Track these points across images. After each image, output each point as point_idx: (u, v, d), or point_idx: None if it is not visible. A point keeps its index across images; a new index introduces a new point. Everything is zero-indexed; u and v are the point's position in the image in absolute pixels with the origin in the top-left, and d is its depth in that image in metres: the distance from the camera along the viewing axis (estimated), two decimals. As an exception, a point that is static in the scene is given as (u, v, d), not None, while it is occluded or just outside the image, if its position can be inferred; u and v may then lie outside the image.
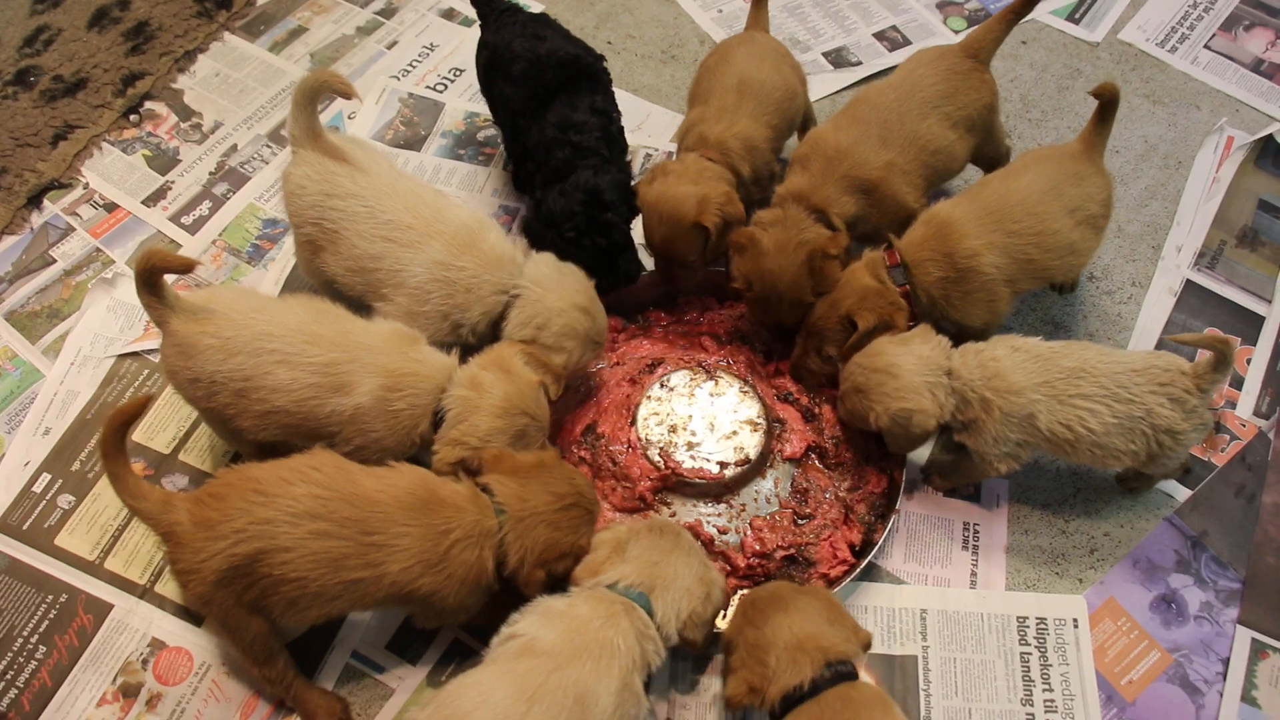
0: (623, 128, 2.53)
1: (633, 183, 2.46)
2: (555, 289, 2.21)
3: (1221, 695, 2.12)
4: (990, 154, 2.59)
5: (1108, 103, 2.29)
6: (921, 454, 2.39)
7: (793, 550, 2.17)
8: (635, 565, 1.87)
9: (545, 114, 2.44)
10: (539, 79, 2.43)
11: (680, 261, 2.43)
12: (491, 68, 2.54)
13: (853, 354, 2.25)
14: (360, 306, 2.25)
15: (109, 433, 1.86)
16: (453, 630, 2.15)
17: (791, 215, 2.33)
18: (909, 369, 2.13)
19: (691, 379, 2.38)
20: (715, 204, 2.31)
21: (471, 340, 2.24)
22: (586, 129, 2.40)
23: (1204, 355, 2.10)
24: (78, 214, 2.83)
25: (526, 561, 1.91)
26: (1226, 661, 2.15)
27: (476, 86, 2.74)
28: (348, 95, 2.25)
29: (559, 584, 1.96)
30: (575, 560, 1.95)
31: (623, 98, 2.61)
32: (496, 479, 1.96)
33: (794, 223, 2.32)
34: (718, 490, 2.25)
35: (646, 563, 1.88)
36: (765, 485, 2.27)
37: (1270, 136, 2.96)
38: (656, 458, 2.26)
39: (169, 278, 2.04)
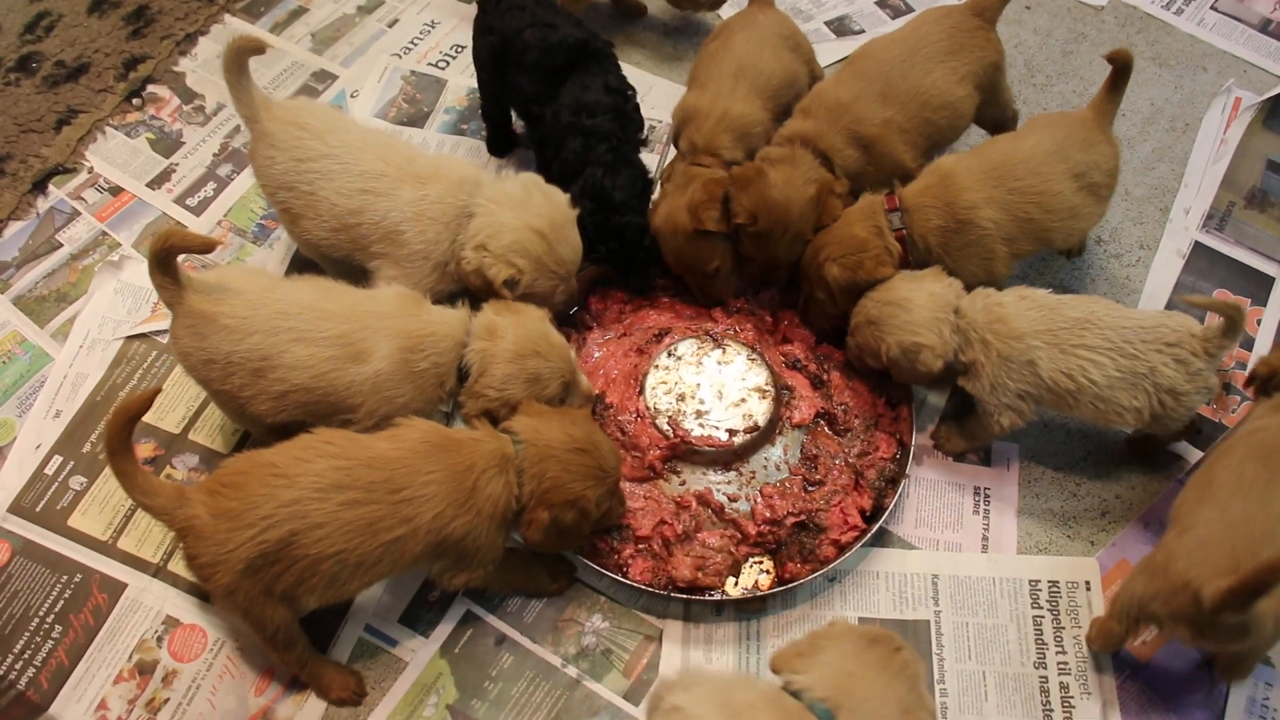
0: (638, 105, 2.53)
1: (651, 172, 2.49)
2: (514, 207, 2.21)
3: (1235, 654, 2.12)
4: (996, 116, 2.58)
5: (1120, 69, 2.28)
6: (931, 422, 2.39)
7: (803, 517, 2.17)
8: (826, 674, 1.63)
9: (558, 96, 2.43)
10: (550, 64, 2.44)
11: (704, 271, 2.41)
12: (502, 57, 2.53)
13: (843, 305, 2.29)
14: (349, 272, 2.28)
15: (114, 430, 1.81)
16: (464, 601, 2.16)
17: (799, 154, 2.33)
18: (920, 304, 2.16)
19: (699, 347, 2.38)
20: (700, 201, 2.30)
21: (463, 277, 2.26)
22: (599, 109, 2.40)
23: (1214, 319, 2.09)
24: (83, 198, 2.83)
25: (535, 496, 1.91)
26: (1240, 622, 2.15)
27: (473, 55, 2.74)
28: (262, 49, 2.25)
29: (565, 535, 1.96)
30: (581, 515, 1.94)
31: (626, 71, 2.59)
32: (517, 417, 1.99)
33: (802, 161, 2.32)
34: (727, 458, 2.25)
35: (839, 672, 1.63)
36: (774, 452, 2.27)
37: (1279, 97, 2.93)
38: (665, 426, 2.26)
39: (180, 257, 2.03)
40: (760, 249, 2.35)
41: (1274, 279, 2.63)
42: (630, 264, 2.46)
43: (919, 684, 1.67)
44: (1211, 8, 3.19)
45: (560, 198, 2.26)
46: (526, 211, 2.20)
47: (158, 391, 1.89)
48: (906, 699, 1.63)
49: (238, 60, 2.22)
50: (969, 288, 2.23)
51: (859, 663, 1.64)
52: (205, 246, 2.03)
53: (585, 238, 2.32)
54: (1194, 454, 2.35)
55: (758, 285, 2.49)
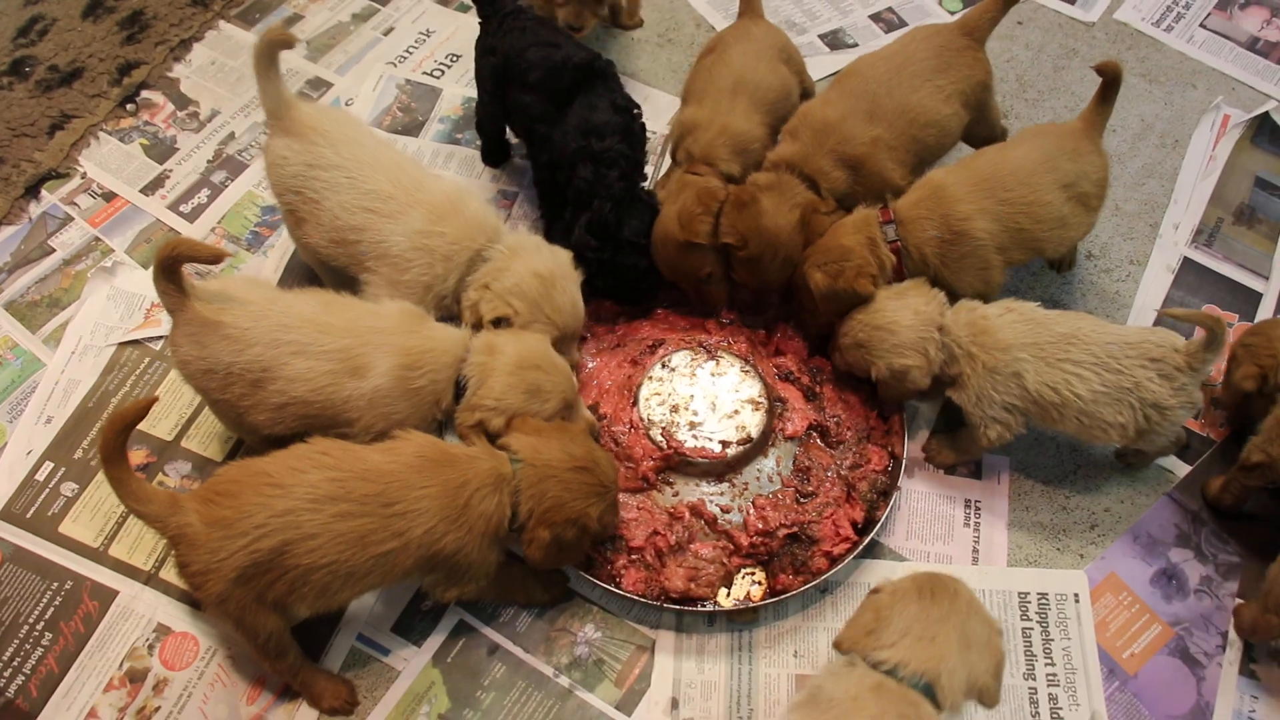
0: (644, 123, 2.53)
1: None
2: (524, 255, 2.22)
3: (1221, 668, 2.13)
4: (985, 134, 2.59)
5: (1110, 81, 2.31)
6: (922, 433, 2.41)
7: (795, 528, 2.18)
8: (910, 645, 1.65)
9: (565, 117, 2.43)
10: (556, 84, 2.44)
11: (696, 279, 2.42)
12: (505, 76, 2.53)
13: (825, 313, 2.31)
14: (345, 280, 2.28)
15: (109, 437, 1.81)
16: (457, 611, 2.17)
17: (786, 180, 2.36)
18: (906, 325, 2.19)
19: (693, 359, 2.39)
20: (692, 212, 2.31)
21: (456, 309, 2.26)
22: (609, 130, 2.40)
23: (1198, 334, 2.11)
24: (76, 203, 2.82)
25: (534, 515, 1.92)
26: (1226, 635, 2.17)
27: (473, 72, 2.74)
28: (291, 44, 2.24)
29: (566, 551, 1.98)
30: (583, 532, 1.95)
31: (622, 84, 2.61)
32: (515, 435, 1.99)
33: (788, 187, 2.35)
34: (720, 469, 2.26)
35: (919, 639, 1.66)
36: (767, 464, 2.28)
37: (1266, 114, 2.97)
38: (659, 438, 2.26)
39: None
40: (751, 273, 2.37)
41: (1261, 294, 2.66)
42: (628, 299, 2.48)
43: (982, 610, 1.73)
44: (1200, 25, 3.23)
45: (564, 256, 2.28)
46: (532, 260, 2.21)
47: (154, 400, 1.89)
48: (981, 632, 1.69)
49: (269, 53, 2.21)
50: (956, 298, 2.26)
51: (932, 623, 1.67)
52: (213, 257, 2.02)
53: (586, 268, 2.33)
54: (1182, 468, 2.37)
55: (750, 310, 2.50)
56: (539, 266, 2.21)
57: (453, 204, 2.24)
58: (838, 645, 1.73)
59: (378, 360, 2.03)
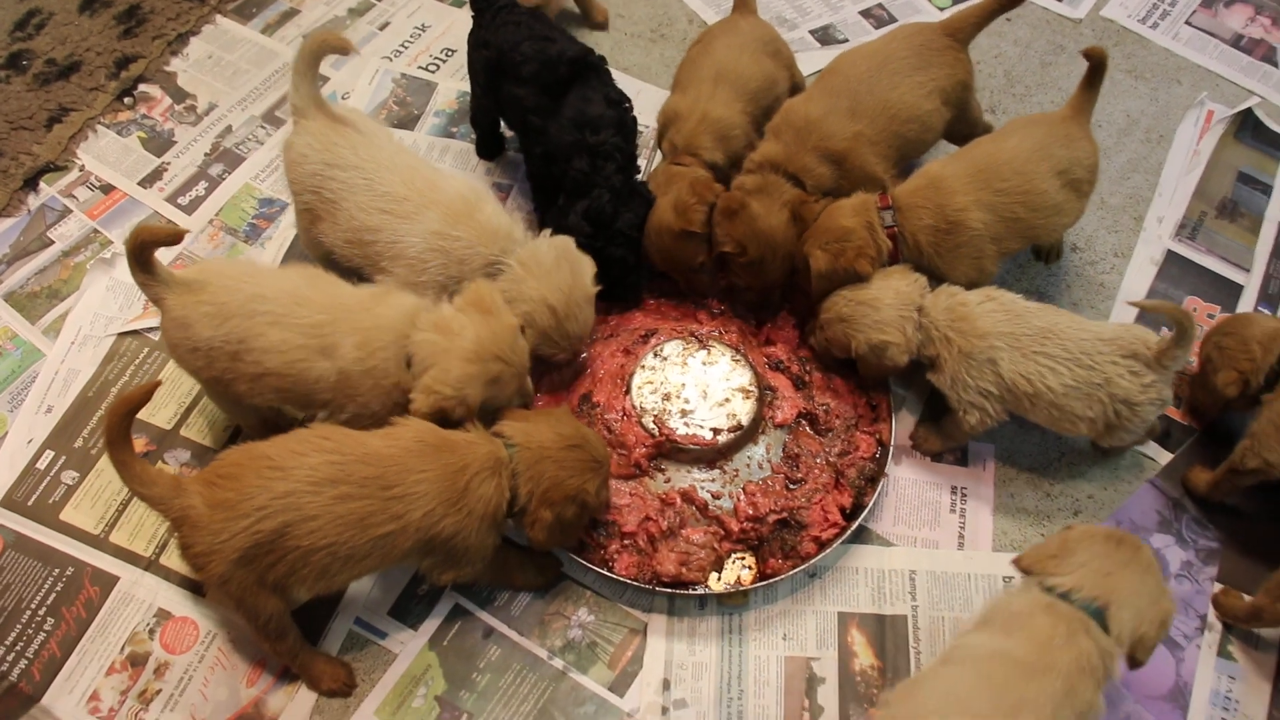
0: (635, 117, 2.55)
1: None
2: (538, 277, 2.22)
3: (1200, 650, 2.18)
4: (966, 133, 2.62)
5: (1096, 66, 2.34)
6: (909, 421, 2.45)
7: (785, 514, 2.22)
8: (1087, 574, 1.79)
9: (560, 110, 2.46)
10: (550, 77, 2.46)
11: (689, 268, 2.46)
12: (498, 69, 2.55)
13: (820, 292, 2.35)
14: (359, 280, 2.28)
15: (114, 420, 1.85)
16: (453, 595, 2.20)
17: (772, 181, 2.40)
18: (888, 303, 2.26)
19: (684, 348, 2.42)
20: (687, 203, 2.35)
21: None
22: (603, 123, 2.43)
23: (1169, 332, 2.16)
24: (74, 196, 2.85)
25: (534, 497, 1.96)
26: (1204, 618, 2.21)
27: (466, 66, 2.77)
28: (346, 50, 2.28)
29: (568, 529, 2.03)
30: (582, 507, 2.00)
31: (615, 78, 2.63)
32: (506, 422, 2.02)
33: (774, 187, 2.39)
34: (711, 456, 2.29)
35: (1098, 572, 1.79)
36: (757, 451, 2.32)
37: (1249, 110, 3.02)
38: (651, 425, 2.30)
39: (164, 255, 2.04)
40: (754, 276, 2.41)
41: (1242, 287, 2.70)
42: (609, 293, 2.46)
43: (1160, 575, 1.85)
44: (1186, 22, 3.27)
45: (586, 272, 2.27)
46: (548, 284, 2.21)
47: (158, 384, 1.91)
48: (1153, 589, 1.81)
49: (315, 54, 2.24)
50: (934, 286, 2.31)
51: (1113, 562, 1.80)
52: (173, 237, 2.04)
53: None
54: (1164, 456, 2.41)
55: (757, 309, 2.53)
56: (552, 295, 2.21)
57: (468, 206, 2.25)
58: (1018, 562, 1.87)
59: (344, 341, 2.03)
